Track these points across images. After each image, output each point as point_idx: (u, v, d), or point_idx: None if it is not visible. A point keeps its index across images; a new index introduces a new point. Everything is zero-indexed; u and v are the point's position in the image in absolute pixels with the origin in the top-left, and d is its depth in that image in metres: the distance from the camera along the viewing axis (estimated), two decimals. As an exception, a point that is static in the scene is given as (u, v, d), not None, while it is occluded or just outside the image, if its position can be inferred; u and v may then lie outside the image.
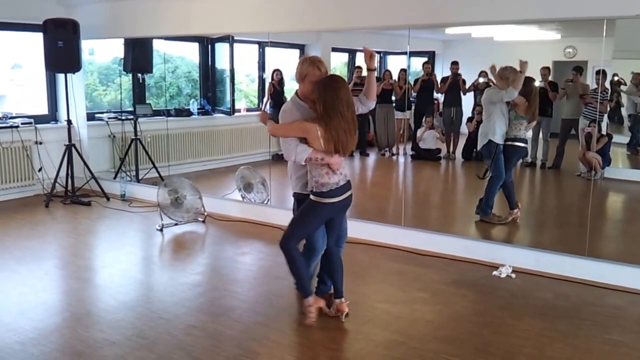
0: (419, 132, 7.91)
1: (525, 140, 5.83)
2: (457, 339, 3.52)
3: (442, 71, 7.65)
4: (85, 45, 7.24)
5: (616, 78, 6.43)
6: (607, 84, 5.94)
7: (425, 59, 7.71)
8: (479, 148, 5.81)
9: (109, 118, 7.68)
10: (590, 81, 6.41)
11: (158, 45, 7.62)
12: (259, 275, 4.73)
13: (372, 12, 5.15)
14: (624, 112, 6.87)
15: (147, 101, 7.98)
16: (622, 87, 6.68)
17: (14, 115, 7.17)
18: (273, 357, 3.38)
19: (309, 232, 3.66)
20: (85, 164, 7.19)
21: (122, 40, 7.33)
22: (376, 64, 3.70)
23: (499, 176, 5.68)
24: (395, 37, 6.67)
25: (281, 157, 3.80)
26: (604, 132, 6.33)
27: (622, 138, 6.88)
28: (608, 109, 6.41)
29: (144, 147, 7.58)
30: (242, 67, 8.54)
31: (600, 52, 4.68)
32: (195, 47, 8.40)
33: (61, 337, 3.53)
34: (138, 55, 7.32)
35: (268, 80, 7.84)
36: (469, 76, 7.13)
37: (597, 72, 5.90)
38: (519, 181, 6.44)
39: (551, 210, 6.70)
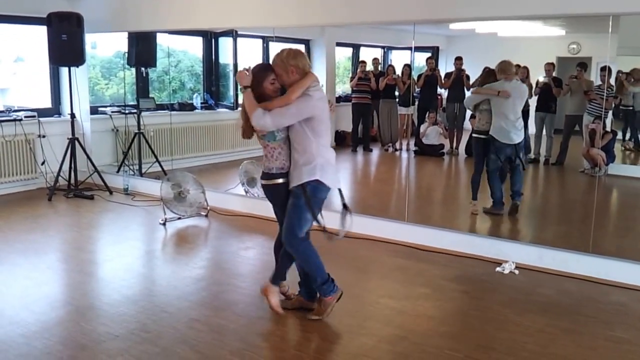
0: (422, 128, 7.90)
1: None
2: (459, 335, 3.52)
3: (445, 67, 7.64)
4: (88, 38, 7.23)
5: (620, 74, 6.41)
6: (612, 81, 5.92)
7: (429, 55, 7.70)
8: (520, 140, 5.72)
9: (112, 112, 7.68)
10: (595, 77, 6.39)
11: (161, 39, 7.61)
12: (262, 270, 4.71)
13: (377, 7, 5.13)
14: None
15: (150, 95, 7.98)
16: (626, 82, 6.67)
17: (17, 108, 7.17)
18: (276, 351, 3.39)
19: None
20: (88, 157, 7.18)
21: (125, 34, 7.33)
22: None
23: None
24: (399, 32, 6.66)
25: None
26: (608, 128, 6.31)
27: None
28: (613, 105, 6.39)
29: (147, 141, 7.57)
30: (246, 61, 8.53)
31: (604, 48, 4.67)
32: (198, 41, 8.40)
33: (64, 331, 3.54)
34: (142, 49, 7.32)
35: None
36: (473, 72, 7.10)
37: (602, 69, 5.89)
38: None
39: (555, 207, 6.69)
